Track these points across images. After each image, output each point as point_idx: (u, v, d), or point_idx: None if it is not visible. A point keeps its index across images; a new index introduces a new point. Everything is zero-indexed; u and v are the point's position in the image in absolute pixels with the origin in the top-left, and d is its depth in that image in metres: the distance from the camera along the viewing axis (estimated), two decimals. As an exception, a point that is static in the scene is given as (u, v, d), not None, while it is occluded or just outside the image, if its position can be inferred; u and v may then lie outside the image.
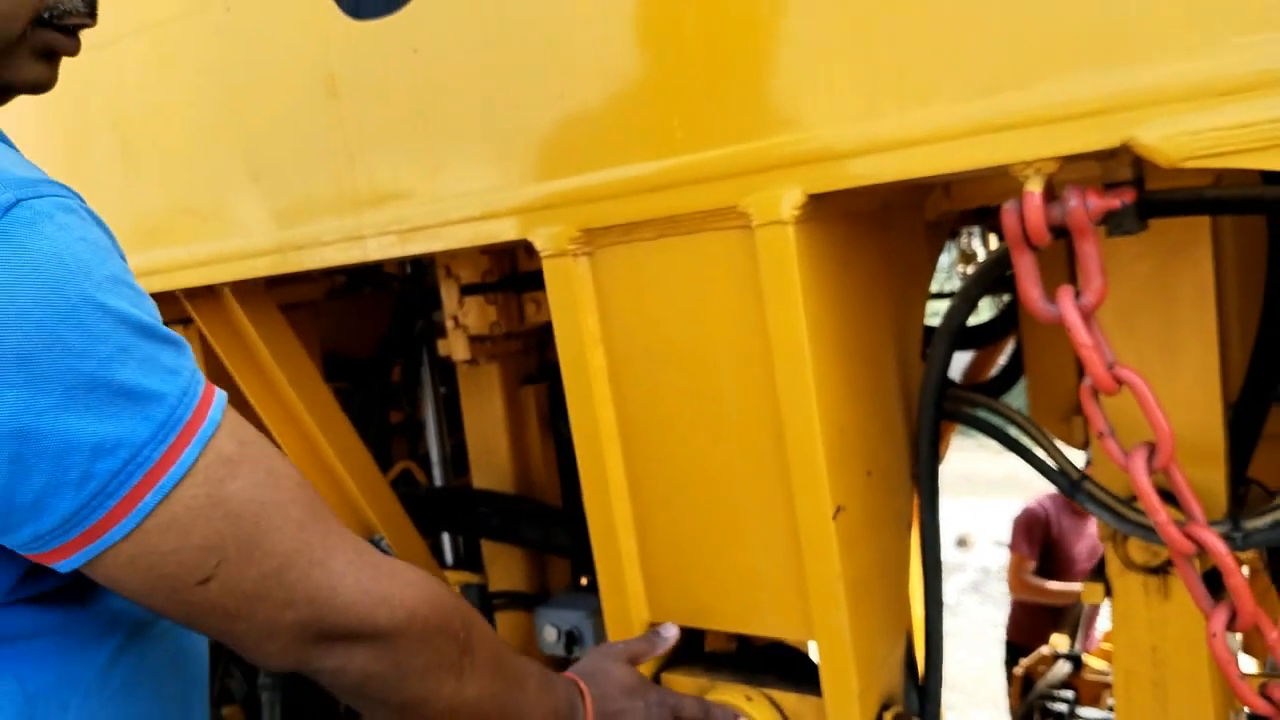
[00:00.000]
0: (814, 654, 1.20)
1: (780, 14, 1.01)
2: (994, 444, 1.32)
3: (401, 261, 2.04)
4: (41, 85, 0.91)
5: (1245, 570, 1.66)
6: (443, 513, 1.95)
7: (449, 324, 1.74)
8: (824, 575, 1.11)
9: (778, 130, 1.03)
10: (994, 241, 2.60)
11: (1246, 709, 1.10)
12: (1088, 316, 0.94)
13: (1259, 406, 1.21)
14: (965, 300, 1.17)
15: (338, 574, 0.85)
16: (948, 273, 3.03)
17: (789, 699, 1.22)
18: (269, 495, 0.82)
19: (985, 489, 8.66)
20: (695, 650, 1.34)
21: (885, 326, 1.23)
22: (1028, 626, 3.88)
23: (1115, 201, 0.91)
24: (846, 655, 1.13)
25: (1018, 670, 2.88)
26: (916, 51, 0.94)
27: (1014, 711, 2.81)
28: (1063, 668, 2.79)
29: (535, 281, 1.65)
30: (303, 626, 0.84)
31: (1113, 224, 0.93)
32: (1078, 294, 0.94)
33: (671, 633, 1.24)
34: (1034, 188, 0.91)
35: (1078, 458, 1.32)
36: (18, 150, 0.85)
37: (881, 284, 1.21)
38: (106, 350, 0.73)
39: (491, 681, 0.96)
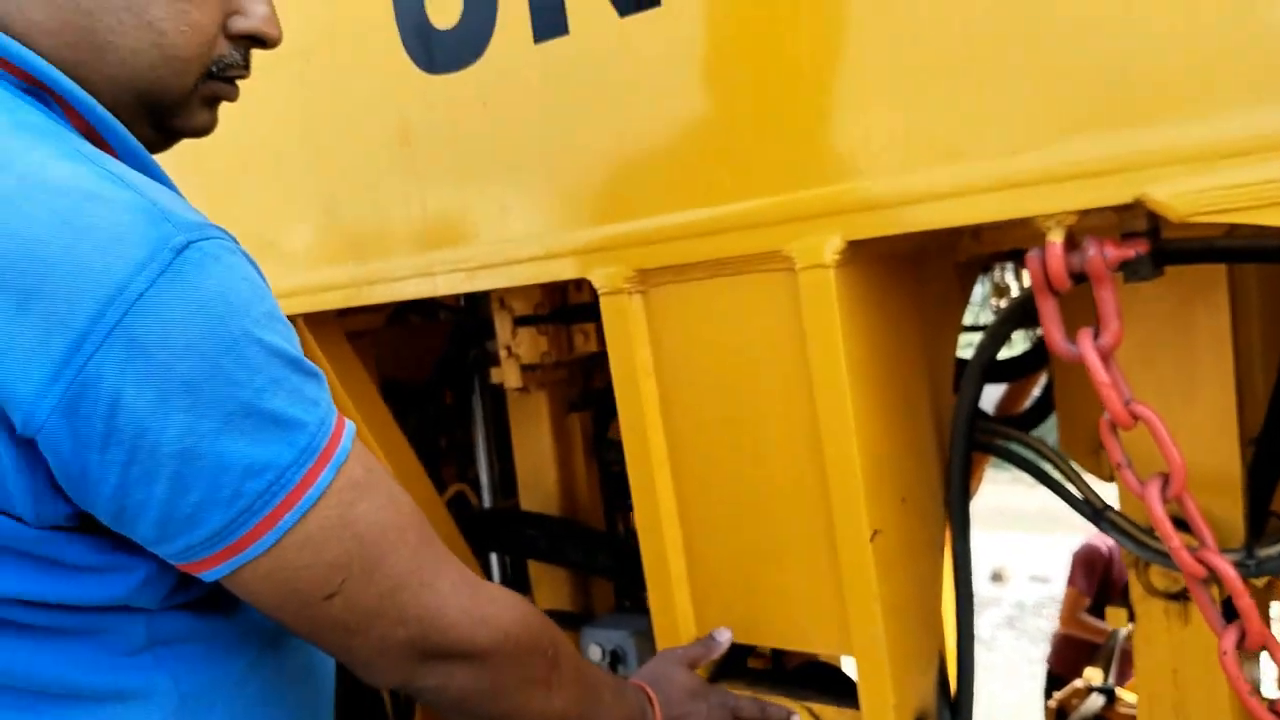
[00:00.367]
0: (850, 669, 1.27)
1: (825, 75, 1.09)
2: (1028, 478, 1.36)
3: (457, 294, 2.12)
4: (207, 129, 0.99)
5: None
6: (492, 534, 2.00)
7: (502, 353, 1.80)
8: (862, 594, 1.18)
9: (821, 181, 1.10)
10: (1026, 276, 2.63)
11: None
12: (1106, 356, 1.00)
13: (1280, 441, 1.24)
14: (993, 338, 1.23)
15: (444, 595, 0.90)
16: (981, 305, 3.07)
17: (828, 710, 1.28)
18: (390, 518, 0.87)
19: (1019, 523, 8.57)
20: (738, 666, 1.40)
21: (919, 361, 1.29)
22: (1072, 659, 3.84)
23: (1130, 251, 0.97)
24: (883, 669, 1.19)
25: (1051, 703, 2.89)
26: (949, 113, 1.02)
27: (1048, 743, 2.83)
28: (1096, 701, 2.78)
29: (584, 314, 1.71)
30: (412, 644, 0.89)
31: (1129, 271, 0.99)
32: (1096, 335, 1.00)
33: (725, 637, 1.31)
34: (1055, 238, 0.98)
35: (1108, 489, 1.36)
36: (179, 191, 0.91)
37: (915, 321, 1.28)
38: (261, 381, 0.79)
39: (575, 693, 1.03)
